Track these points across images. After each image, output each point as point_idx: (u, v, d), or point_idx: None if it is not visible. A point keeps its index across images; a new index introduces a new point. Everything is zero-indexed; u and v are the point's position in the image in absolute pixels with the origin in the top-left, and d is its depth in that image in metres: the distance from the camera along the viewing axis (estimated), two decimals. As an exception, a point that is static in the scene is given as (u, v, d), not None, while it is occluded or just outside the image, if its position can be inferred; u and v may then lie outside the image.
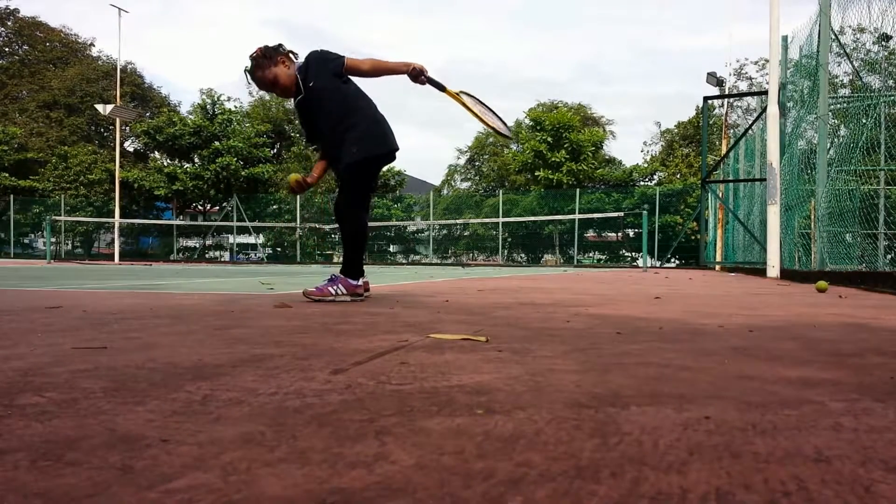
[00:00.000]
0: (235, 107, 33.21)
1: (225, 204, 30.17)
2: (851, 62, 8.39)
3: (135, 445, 0.75)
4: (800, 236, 9.18)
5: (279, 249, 30.46)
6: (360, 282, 3.28)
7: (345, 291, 3.17)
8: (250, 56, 3.23)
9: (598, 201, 25.66)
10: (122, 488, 0.61)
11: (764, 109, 10.17)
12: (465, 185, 39.96)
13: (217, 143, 29.40)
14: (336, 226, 3.43)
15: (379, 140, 3.27)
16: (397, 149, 3.34)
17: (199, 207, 32.02)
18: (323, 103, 3.25)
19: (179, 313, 2.44)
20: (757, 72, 32.65)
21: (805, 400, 1.01)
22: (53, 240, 27.72)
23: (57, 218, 25.15)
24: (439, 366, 1.30)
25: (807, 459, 0.71)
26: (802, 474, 0.66)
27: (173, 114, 31.63)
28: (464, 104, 3.36)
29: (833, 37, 7.43)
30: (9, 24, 38.87)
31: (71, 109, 36.20)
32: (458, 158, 41.15)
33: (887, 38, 7.43)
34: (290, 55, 3.27)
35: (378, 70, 3.22)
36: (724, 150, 17.17)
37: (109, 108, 22.29)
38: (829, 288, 4.52)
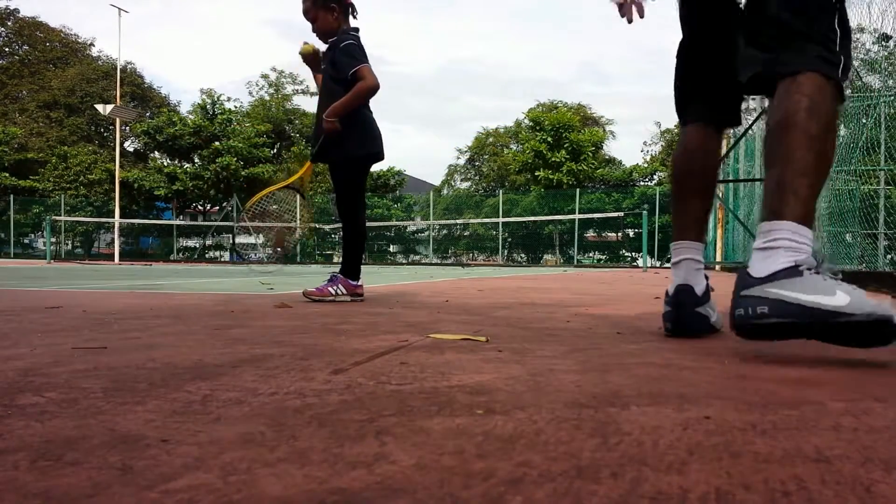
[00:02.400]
0: (235, 107, 33.26)
1: (225, 204, 30.17)
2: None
3: (135, 445, 0.75)
4: (800, 236, 9.15)
5: (279, 249, 30.43)
6: (360, 282, 3.28)
7: (345, 291, 3.17)
8: None
9: (598, 201, 25.65)
10: (122, 488, 0.61)
11: (764, 110, 10.16)
12: (465, 185, 39.99)
13: (217, 143, 29.39)
14: (336, 226, 3.46)
15: (369, 141, 3.27)
16: (383, 151, 3.36)
17: (199, 207, 32.02)
18: (322, 89, 3.28)
19: (179, 313, 2.44)
20: (757, 72, 32.58)
21: (805, 400, 1.01)
22: (53, 240, 27.71)
23: (57, 218, 25.14)
24: (439, 366, 1.30)
25: (807, 459, 0.71)
26: (802, 474, 0.66)
27: (173, 114, 31.64)
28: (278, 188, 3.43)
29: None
30: (9, 24, 38.85)
31: (71, 109, 36.18)
32: (458, 158, 41.23)
33: (887, 38, 7.43)
34: (348, 13, 3.25)
35: (357, 97, 3.14)
36: (723, 150, 17.15)
37: (109, 108, 22.28)
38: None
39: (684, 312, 1.76)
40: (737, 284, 1.43)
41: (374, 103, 3.33)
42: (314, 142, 3.30)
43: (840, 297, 1.27)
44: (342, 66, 3.15)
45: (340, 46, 3.17)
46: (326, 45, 3.29)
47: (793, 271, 1.32)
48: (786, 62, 1.49)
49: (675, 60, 2.00)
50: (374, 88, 3.15)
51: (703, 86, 1.88)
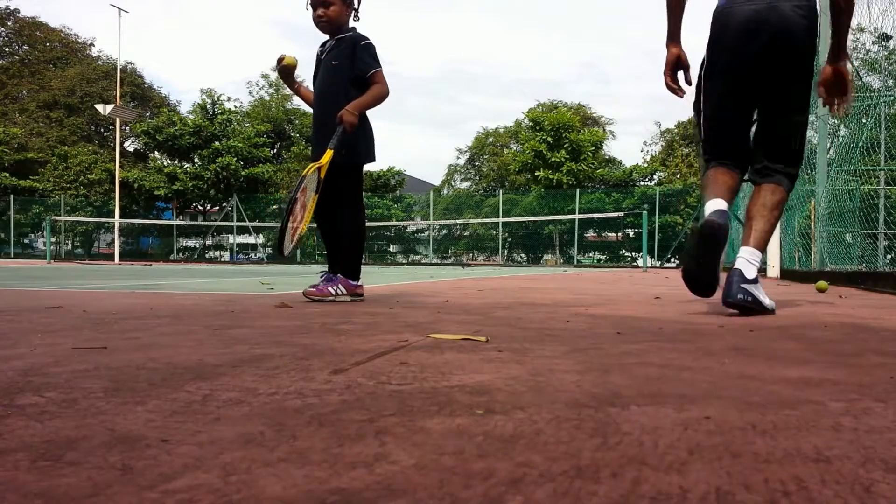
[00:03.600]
0: (235, 107, 33.24)
1: (225, 204, 30.17)
2: (851, 62, 8.38)
3: (135, 445, 0.75)
4: (800, 236, 9.18)
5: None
6: (360, 282, 3.28)
7: (345, 291, 3.17)
8: None
9: (598, 201, 25.66)
10: (122, 488, 0.61)
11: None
12: (465, 185, 40.00)
13: (217, 143, 29.39)
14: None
15: (370, 146, 3.30)
16: (374, 160, 3.41)
17: (199, 207, 32.01)
18: (326, 84, 3.25)
19: (179, 313, 2.44)
20: (757, 72, 32.59)
21: (805, 400, 1.01)
22: (53, 240, 27.71)
23: (57, 218, 25.16)
24: (439, 366, 1.30)
25: (807, 459, 0.71)
26: (802, 474, 0.66)
27: (173, 114, 31.63)
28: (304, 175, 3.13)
29: (833, 37, 7.42)
30: (9, 24, 38.87)
31: (71, 109, 36.19)
32: (458, 158, 41.25)
33: (887, 38, 7.43)
34: (355, 14, 3.27)
35: (375, 99, 3.19)
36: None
37: (109, 108, 22.29)
38: (829, 288, 4.52)
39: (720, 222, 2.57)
40: (736, 277, 2.56)
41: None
42: (321, 137, 3.20)
43: (767, 301, 2.60)
44: (363, 64, 3.17)
45: (362, 44, 3.20)
46: (332, 38, 3.27)
47: (755, 280, 2.59)
48: (781, 179, 2.84)
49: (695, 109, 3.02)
50: (387, 95, 3.23)
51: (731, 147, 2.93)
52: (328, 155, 3.12)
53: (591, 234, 27.83)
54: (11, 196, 30.05)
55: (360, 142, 3.21)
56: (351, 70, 3.18)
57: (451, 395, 1.03)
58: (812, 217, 8.08)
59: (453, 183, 40.91)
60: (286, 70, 3.43)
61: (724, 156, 2.87)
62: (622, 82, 79.47)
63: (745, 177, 2.96)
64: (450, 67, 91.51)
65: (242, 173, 29.13)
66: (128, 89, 35.87)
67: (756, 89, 2.80)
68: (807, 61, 2.75)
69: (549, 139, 27.78)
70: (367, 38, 3.22)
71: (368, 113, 3.27)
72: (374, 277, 7.03)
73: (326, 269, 3.32)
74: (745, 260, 2.62)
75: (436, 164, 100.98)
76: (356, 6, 3.27)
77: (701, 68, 2.91)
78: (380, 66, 3.21)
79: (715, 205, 2.62)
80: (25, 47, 39.57)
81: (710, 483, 0.63)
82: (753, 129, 2.96)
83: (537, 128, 28.69)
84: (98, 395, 1.01)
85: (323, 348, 1.53)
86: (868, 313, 2.69)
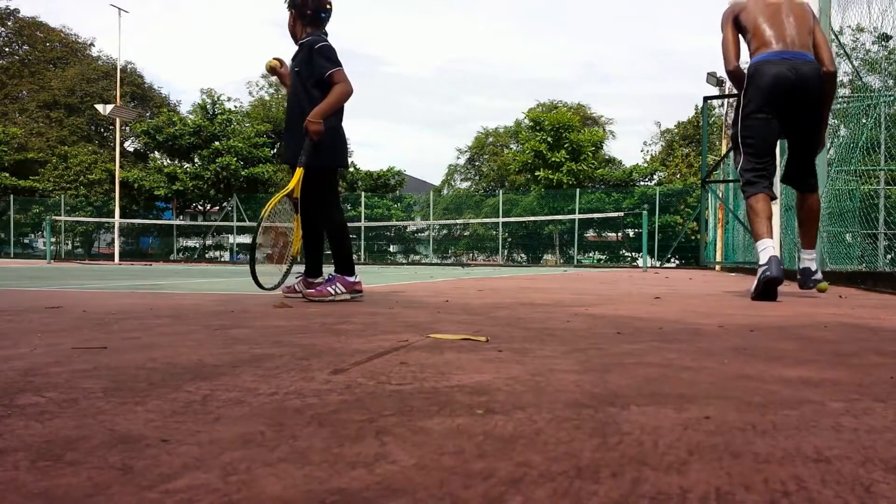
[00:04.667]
0: (235, 107, 33.21)
1: (225, 204, 30.15)
2: (851, 62, 8.39)
3: (135, 445, 0.75)
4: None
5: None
6: (357, 278, 3.28)
7: (343, 290, 3.17)
8: None
9: (598, 201, 25.64)
10: (122, 488, 0.61)
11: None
12: (465, 185, 39.99)
13: (217, 143, 29.38)
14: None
15: (331, 152, 3.28)
16: (346, 165, 3.47)
17: (199, 207, 32.00)
18: (292, 91, 3.30)
19: (179, 313, 2.44)
20: (757, 72, 32.53)
21: (805, 400, 1.01)
22: (53, 240, 27.70)
23: (57, 218, 25.14)
24: (439, 366, 1.30)
25: (807, 459, 0.71)
26: (802, 474, 0.66)
27: (173, 114, 31.61)
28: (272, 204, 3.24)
29: (833, 37, 7.43)
30: (9, 24, 38.82)
31: (71, 109, 36.16)
32: (458, 158, 41.25)
33: (887, 38, 7.43)
34: (306, 18, 3.29)
35: (337, 100, 3.20)
36: (724, 150, 17.16)
37: (109, 108, 22.27)
38: (829, 288, 4.52)
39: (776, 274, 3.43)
40: (808, 274, 3.84)
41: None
42: (293, 145, 3.25)
43: (819, 274, 3.89)
44: (317, 66, 3.18)
45: (315, 47, 3.21)
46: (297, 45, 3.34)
47: (817, 271, 3.87)
48: (815, 186, 3.96)
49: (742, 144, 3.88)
50: (350, 93, 3.22)
51: (766, 170, 3.83)
52: (297, 174, 3.18)
53: (591, 234, 27.80)
54: (11, 196, 30.04)
55: (325, 145, 3.20)
56: (310, 74, 3.21)
57: (451, 395, 1.03)
58: (812, 217, 8.07)
59: (453, 183, 40.91)
60: (271, 72, 3.56)
61: (760, 171, 3.79)
62: (622, 82, 79.50)
63: (778, 182, 4.09)
64: (449, 67, 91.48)
65: (242, 173, 29.10)
66: (128, 89, 35.84)
67: (781, 122, 3.77)
68: (819, 100, 3.71)
69: (549, 139, 27.75)
70: (321, 41, 3.22)
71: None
72: (374, 277, 7.03)
73: (303, 273, 3.45)
74: (808, 259, 3.86)
75: (436, 164, 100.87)
76: (307, 12, 3.29)
77: (737, 108, 3.83)
78: (337, 66, 3.19)
79: (769, 252, 3.51)
80: (25, 47, 39.52)
81: (710, 483, 0.63)
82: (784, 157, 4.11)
83: (537, 128, 28.65)
84: (98, 395, 1.01)
85: (323, 348, 1.53)
86: (868, 313, 2.69)
